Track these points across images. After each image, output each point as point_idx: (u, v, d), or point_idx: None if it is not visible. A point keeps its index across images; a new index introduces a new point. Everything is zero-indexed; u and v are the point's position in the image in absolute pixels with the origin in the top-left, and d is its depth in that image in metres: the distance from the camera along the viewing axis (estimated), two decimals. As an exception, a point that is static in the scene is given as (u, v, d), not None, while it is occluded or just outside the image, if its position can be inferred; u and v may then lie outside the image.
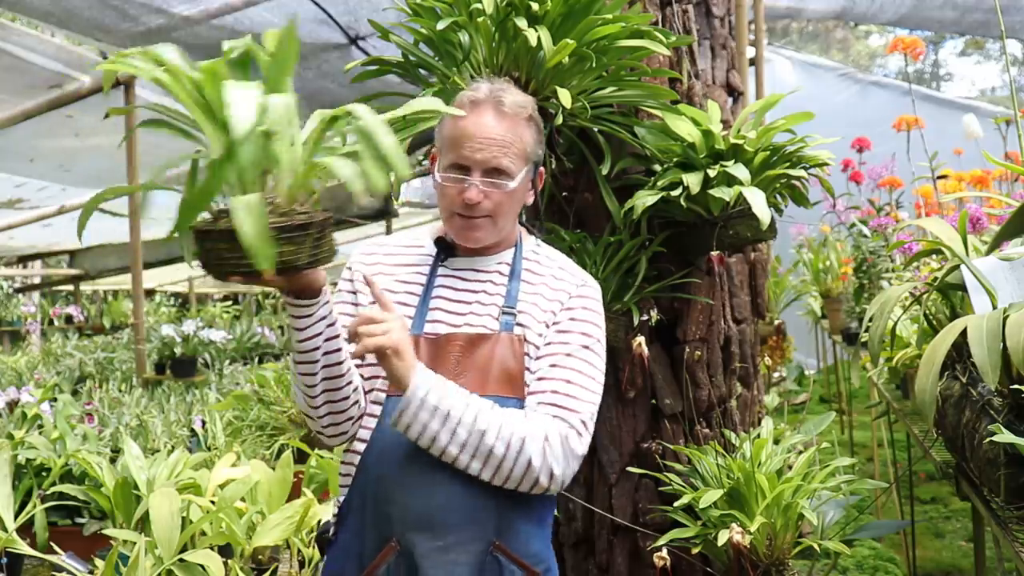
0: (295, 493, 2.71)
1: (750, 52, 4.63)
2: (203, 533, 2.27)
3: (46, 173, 6.38)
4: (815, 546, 1.83)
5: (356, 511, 1.51)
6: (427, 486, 1.46)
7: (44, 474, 2.83)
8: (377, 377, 1.52)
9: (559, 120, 1.89)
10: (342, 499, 1.55)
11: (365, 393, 1.55)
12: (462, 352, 1.48)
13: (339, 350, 1.45)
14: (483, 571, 1.46)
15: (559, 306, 1.55)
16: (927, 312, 2.02)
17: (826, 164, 2.03)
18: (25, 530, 2.34)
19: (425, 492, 1.46)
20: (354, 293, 1.59)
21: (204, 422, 3.59)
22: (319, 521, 2.55)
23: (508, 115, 1.50)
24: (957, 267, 1.75)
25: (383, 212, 6.97)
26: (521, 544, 1.49)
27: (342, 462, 1.58)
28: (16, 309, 9.35)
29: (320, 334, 1.41)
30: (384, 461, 1.48)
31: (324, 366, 1.44)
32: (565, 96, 1.80)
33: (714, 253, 2.06)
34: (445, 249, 1.60)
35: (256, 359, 6.53)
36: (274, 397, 3.84)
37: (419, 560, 1.43)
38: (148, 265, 8.57)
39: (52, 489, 2.64)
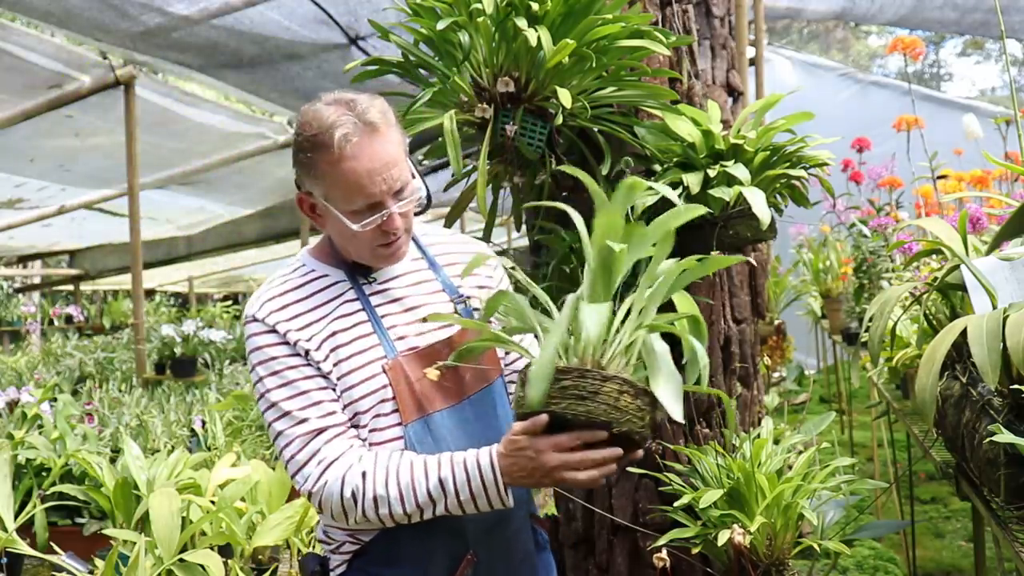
0: (295, 493, 2.71)
1: (750, 52, 4.63)
2: (203, 533, 2.28)
3: (46, 173, 6.39)
4: (815, 546, 1.83)
5: (412, 540, 1.44)
6: None
7: (44, 474, 2.83)
8: (386, 401, 1.45)
9: (559, 120, 1.89)
10: (366, 538, 1.47)
11: (366, 428, 1.47)
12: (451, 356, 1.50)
13: None
14: (531, 542, 1.60)
15: (487, 269, 1.64)
16: (927, 312, 2.01)
17: (826, 164, 2.03)
18: (25, 530, 2.34)
19: None
20: (300, 354, 1.44)
21: (204, 422, 3.59)
22: (313, 526, 2.54)
23: (381, 129, 1.41)
24: (957, 267, 1.75)
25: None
26: (534, 506, 1.63)
27: None
28: (16, 309, 9.36)
29: None
30: None
31: None
32: (565, 96, 1.79)
33: (714, 253, 2.06)
34: (356, 269, 1.52)
35: (256, 359, 6.51)
36: (274, 397, 3.83)
37: (496, 555, 1.50)
38: (148, 265, 8.58)
39: (52, 489, 2.64)
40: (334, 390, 1.44)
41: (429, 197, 1.54)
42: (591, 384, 1.22)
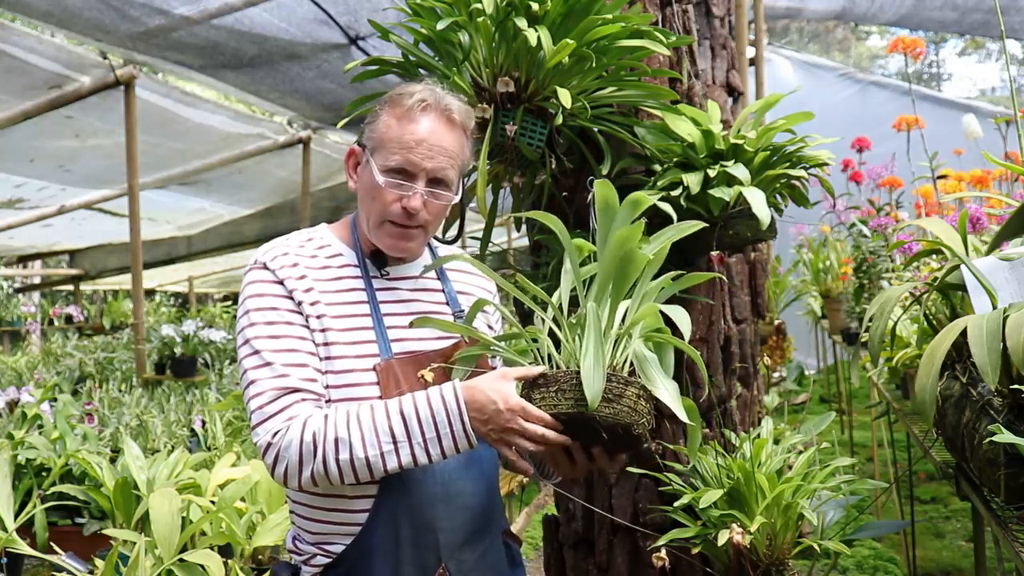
0: (295, 493, 2.71)
1: (750, 52, 4.63)
2: (203, 533, 2.28)
3: (46, 173, 6.39)
4: (815, 546, 1.82)
5: (383, 552, 1.42)
6: (464, 501, 1.47)
7: (44, 474, 2.83)
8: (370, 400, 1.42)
9: (559, 120, 1.89)
10: (339, 548, 1.43)
11: None
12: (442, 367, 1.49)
13: None
14: (503, 561, 1.57)
15: (488, 295, 1.65)
16: (927, 312, 2.01)
17: (826, 164, 2.03)
18: (25, 530, 2.34)
19: (463, 507, 1.47)
20: (301, 313, 1.42)
21: (204, 422, 3.59)
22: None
23: (457, 125, 1.47)
24: (957, 267, 1.75)
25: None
26: (505, 522, 1.61)
27: (331, 509, 1.44)
28: (16, 309, 9.35)
29: None
30: (423, 488, 1.43)
31: None
32: (565, 96, 1.79)
33: (714, 253, 2.05)
34: (372, 258, 1.52)
35: (256, 359, 6.49)
36: (274, 397, 3.83)
37: (467, 570, 1.48)
38: (148, 265, 8.58)
39: (52, 489, 2.64)
40: (320, 361, 1.41)
41: (461, 226, 1.64)
42: (616, 387, 1.25)
